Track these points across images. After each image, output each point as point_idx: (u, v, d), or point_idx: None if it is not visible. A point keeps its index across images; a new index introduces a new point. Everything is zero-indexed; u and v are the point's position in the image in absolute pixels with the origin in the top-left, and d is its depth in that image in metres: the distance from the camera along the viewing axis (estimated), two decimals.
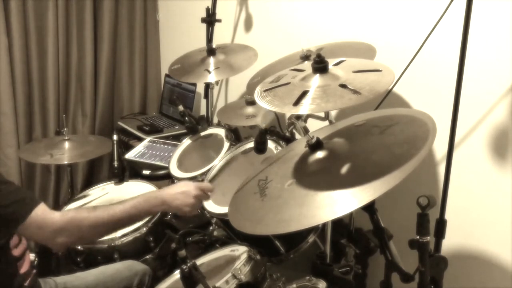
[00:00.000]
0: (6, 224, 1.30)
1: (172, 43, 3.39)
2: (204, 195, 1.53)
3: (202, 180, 1.90)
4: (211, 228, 1.98)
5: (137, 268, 1.73)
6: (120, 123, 3.17)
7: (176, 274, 1.55)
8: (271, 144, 1.80)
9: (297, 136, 1.94)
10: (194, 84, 2.98)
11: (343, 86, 1.19)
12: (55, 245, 1.35)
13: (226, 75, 2.39)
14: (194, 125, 2.24)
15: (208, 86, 2.55)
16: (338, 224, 1.79)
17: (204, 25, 2.52)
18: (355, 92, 1.16)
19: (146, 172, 2.39)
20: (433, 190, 1.87)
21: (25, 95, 2.96)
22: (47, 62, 3.00)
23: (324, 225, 1.65)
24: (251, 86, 2.02)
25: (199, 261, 1.58)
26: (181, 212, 1.48)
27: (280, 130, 2.01)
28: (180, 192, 1.46)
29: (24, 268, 1.46)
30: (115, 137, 2.41)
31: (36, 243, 1.88)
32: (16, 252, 1.42)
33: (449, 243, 1.69)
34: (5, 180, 1.32)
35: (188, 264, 1.28)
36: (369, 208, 1.20)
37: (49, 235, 1.32)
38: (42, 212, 1.32)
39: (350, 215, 1.79)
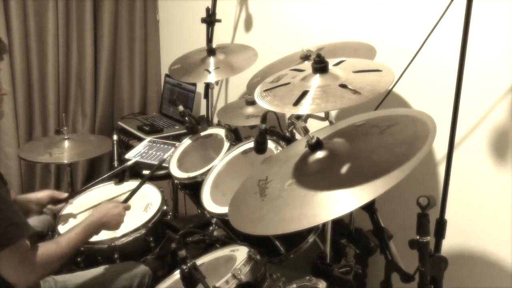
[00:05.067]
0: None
1: (172, 43, 3.39)
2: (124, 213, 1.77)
3: (202, 180, 1.90)
4: (211, 228, 1.98)
5: (137, 269, 1.73)
6: (120, 123, 3.17)
7: (176, 274, 1.55)
8: (271, 144, 1.80)
9: (297, 136, 1.94)
10: (194, 84, 2.98)
11: (343, 86, 1.19)
12: (26, 283, 1.36)
13: (226, 75, 2.38)
14: (194, 125, 2.24)
15: (208, 86, 2.54)
16: (338, 224, 1.79)
17: (204, 25, 2.52)
18: (355, 92, 1.16)
19: (146, 172, 2.39)
20: (433, 190, 1.87)
21: (25, 95, 2.97)
22: (47, 62, 3.00)
23: (324, 225, 1.65)
24: (251, 86, 2.02)
25: (199, 261, 1.58)
26: (113, 229, 1.73)
27: (280, 130, 2.02)
28: (116, 214, 1.70)
29: None
30: (115, 137, 2.41)
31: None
32: None
33: (449, 243, 1.69)
34: (8, 200, 1.33)
35: (188, 264, 1.28)
36: (369, 208, 1.20)
37: (25, 272, 1.35)
38: (25, 247, 1.34)
39: (350, 215, 1.79)
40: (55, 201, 1.92)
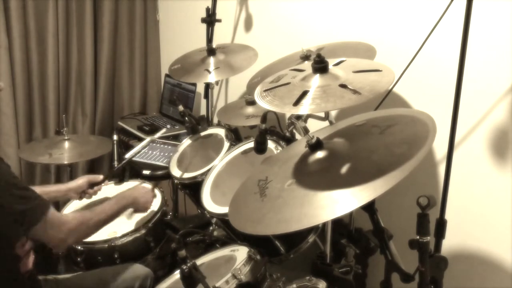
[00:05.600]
0: (22, 225, 1.36)
1: (172, 43, 3.39)
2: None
3: (202, 180, 1.90)
4: (211, 228, 1.98)
5: (139, 271, 1.73)
6: (120, 123, 3.16)
7: (176, 274, 1.55)
8: (271, 144, 1.80)
9: (297, 136, 1.94)
10: (194, 84, 2.98)
11: (343, 86, 1.19)
12: (66, 245, 1.49)
13: (226, 75, 2.38)
14: (194, 125, 2.24)
15: (208, 86, 2.55)
16: (338, 224, 1.79)
17: (204, 25, 2.52)
18: (355, 92, 1.16)
19: (146, 172, 2.39)
20: (433, 190, 1.87)
21: (25, 95, 2.96)
22: (47, 62, 3.00)
23: (324, 225, 1.65)
24: (251, 86, 2.02)
25: (199, 261, 1.58)
26: (143, 207, 1.83)
27: (280, 130, 2.02)
28: (145, 192, 1.84)
29: (27, 267, 1.47)
30: (115, 137, 2.41)
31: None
32: (21, 251, 1.43)
33: (449, 243, 1.69)
34: (23, 186, 1.40)
35: (188, 264, 1.28)
36: (369, 208, 1.20)
37: (63, 236, 1.44)
38: (56, 214, 1.43)
39: (350, 215, 1.79)
40: (92, 184, 1.96)
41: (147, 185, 1.90)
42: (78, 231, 1.48)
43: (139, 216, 1.92)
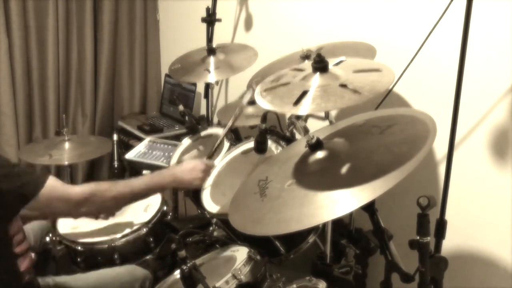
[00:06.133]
0: (20, 200, 1.33)
1: (172, 43, 3.39)
2: (208, 170, 1.72)
3: None
4: (211, 228, 1.98)
5: (138, 273, 1.72)
6: (120, 123, 3.16)
7: (176, 274, 1.55)
8: (271, 144, 1.80)
9: (297, 136, 1.94)
10: (194, 84, 2.98)
11: (343, 86, 1.19)
12: (78, 214, 1.47)
13: (226, 75, 2.39)
14: (194, 125, 2.24)
15: (208, 86, 2.55)
16: (338, 224, 1.79)
17: (204, 25, 2.52)
18: (355, 92, 1.16)
19: (146, 172, 2.38)
20: (433, 190, 1.87)
21: (25, 95, 2.96)
22: (47, 62, 3.00)
23: (324, 225, 1.65)
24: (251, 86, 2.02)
25: (199, 261, 1.58)
26: (191, 185, 1.68)
27: (280, 130, 2.02)
28: (190, 168, 1.65)
29: (24, 266, 1.46)
30: (115, 137, 2.41)
31: (37, 241, 1.87)
32: (18, 249, 1.42)
33: (449, 243, 1.69)
34: (13, 164, 1.37)
35: (188, 264, 1.28)
36: (369, 208, 1.20)
37: (71, 207, 1.42)
38: (59, 185, 1.40)
39: (350, 215, 1.79)
40: None
41: (196, 160, 1.70)
42: (89, 201, 1.43)
43: (154, 210, 1.89)
